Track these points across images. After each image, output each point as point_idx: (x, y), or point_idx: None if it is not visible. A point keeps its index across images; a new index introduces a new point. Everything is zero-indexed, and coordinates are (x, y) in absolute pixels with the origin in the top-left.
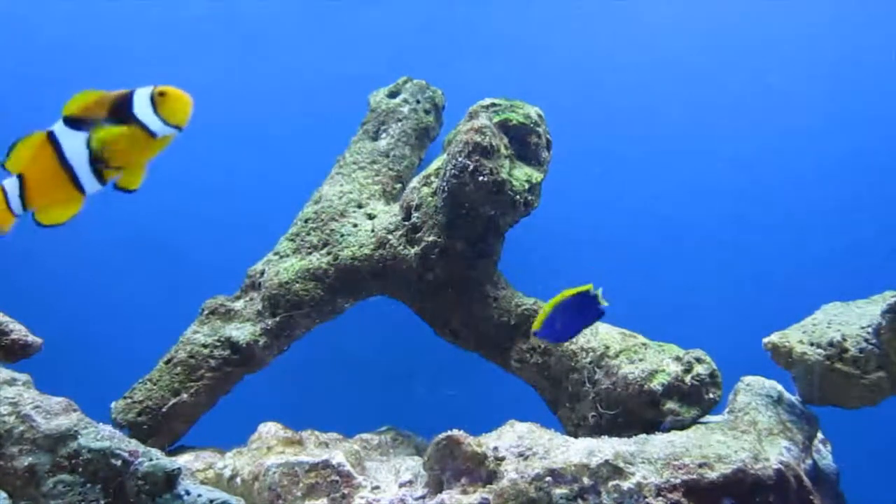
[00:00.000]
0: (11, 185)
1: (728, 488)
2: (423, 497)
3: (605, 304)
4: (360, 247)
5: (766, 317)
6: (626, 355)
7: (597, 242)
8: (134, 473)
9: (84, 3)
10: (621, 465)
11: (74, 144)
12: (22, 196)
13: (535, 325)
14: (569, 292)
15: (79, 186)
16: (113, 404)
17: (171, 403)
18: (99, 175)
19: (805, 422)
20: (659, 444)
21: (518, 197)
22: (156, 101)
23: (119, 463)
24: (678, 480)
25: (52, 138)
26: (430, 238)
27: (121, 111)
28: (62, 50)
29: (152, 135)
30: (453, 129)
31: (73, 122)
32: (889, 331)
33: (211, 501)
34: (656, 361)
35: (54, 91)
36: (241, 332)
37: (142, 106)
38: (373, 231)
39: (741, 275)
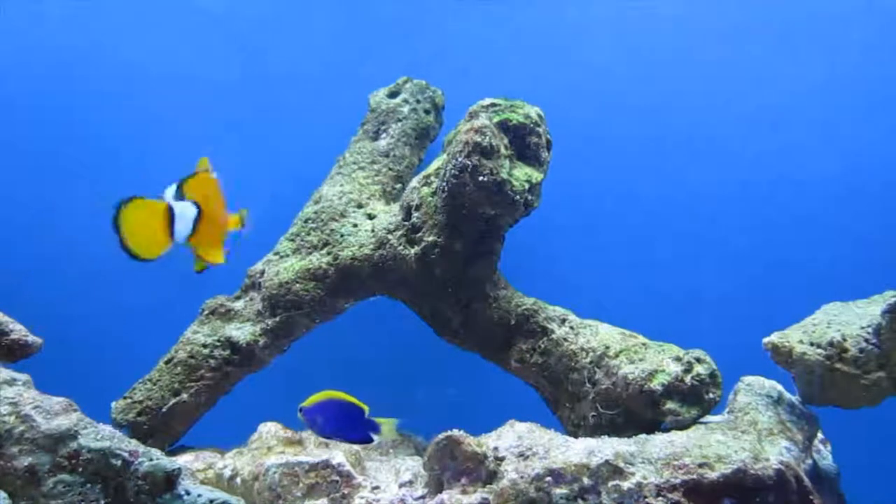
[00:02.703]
0: (185, 209)
1: (728, 488)
2: (423, 497)
3: (385, 434)
4: (360, 247)
5: (766, 317)
6: (626, 355)
7: (597, 242)
8: (134, 473)
9: (85, 4)
10: (621, 465)
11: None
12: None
13: (306, 403)
14: (349, 398)
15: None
16: (113, 404)
17: (171, 403)
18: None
19: (805, 422)
20: (659, 444)
21: (518, 197)
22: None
23: (119, 463)
24: (678, 480)
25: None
26: (430, 238)
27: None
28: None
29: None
30: (453, 129)
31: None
32: (889, 331)
33: (211, 501)
34: (656, 361)
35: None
36: (241, 332)
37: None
38: (373, 231)
39: (741, 275)
